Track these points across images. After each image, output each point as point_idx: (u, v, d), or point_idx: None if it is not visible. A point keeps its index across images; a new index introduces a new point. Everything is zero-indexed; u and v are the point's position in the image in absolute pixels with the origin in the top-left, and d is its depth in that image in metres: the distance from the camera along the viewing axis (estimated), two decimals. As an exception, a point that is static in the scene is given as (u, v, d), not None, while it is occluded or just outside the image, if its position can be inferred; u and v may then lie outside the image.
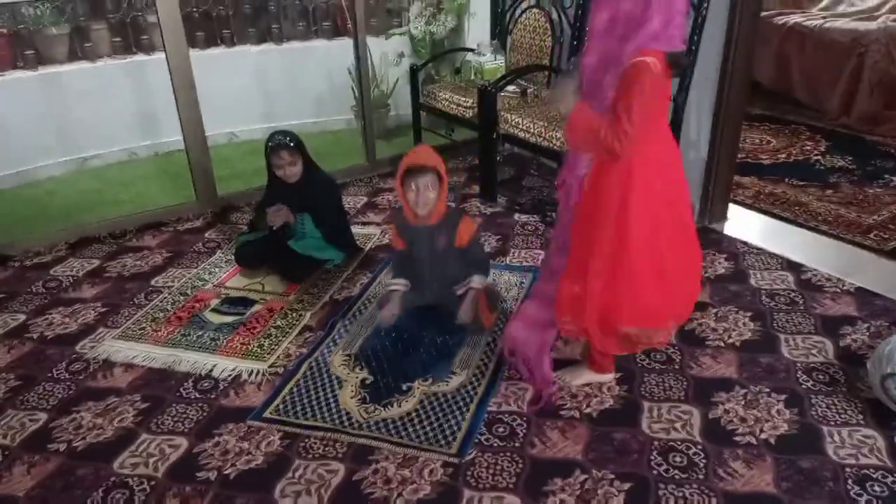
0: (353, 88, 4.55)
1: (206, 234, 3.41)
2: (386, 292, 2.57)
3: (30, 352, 2.51)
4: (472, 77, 4.05)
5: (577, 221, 1.99)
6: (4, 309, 2.79)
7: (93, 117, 4.42)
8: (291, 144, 2.81)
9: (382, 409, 2.15)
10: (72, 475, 1.94)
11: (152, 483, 1.90)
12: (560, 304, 2.04)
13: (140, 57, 4.62)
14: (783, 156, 4.26)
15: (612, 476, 1.87)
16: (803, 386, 2.20)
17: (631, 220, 1.86)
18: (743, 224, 3.33)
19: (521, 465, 1.92)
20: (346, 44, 4.37)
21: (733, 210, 3.42)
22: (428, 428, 2.07)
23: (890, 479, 1.84)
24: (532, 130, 3.30)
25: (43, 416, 2.17)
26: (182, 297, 2.81)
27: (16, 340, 2.57)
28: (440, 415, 2.12)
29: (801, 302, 2.66)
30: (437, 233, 2.45)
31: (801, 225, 3.34)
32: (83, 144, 4.48)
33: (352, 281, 2.92)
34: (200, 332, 2.56)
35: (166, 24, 3.27)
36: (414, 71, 4.07)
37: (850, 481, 1.83)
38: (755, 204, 3.57)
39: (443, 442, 2.01)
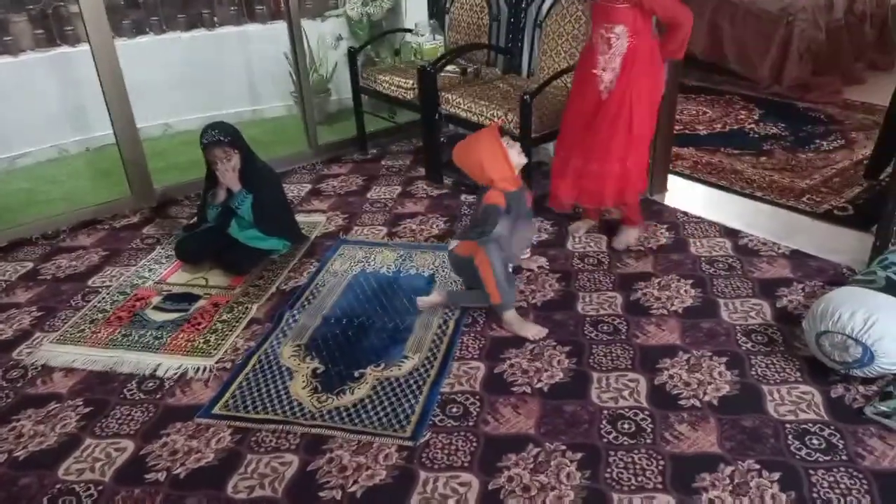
0: (290, 73, 4.46)
1: (144, 230, 3.31)
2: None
3: (-38, 362, 2.41)
4: (412, 58, 4.01)
5: (607, 115, 2.65)
6: (-68, 319, 2.66)
7: (18, 114, 4.22)
8: (225, 140, 2.73)
9: (335, 397, 2.14)
10: (14, 485, 1.87)
11: (99, 488, 1.85)
12: (606, 179, 2.73)
13: (65, 49, 4.42)
14: (719, 126, 4.37)
15: (564, 447, 1.91)
16: (743, 348, 2.28)
17: (646, 110, 2.67)
18: (682, 194, 3.41)
19: (475, 444, 1.94)
20: (281, 27, 4.26)
21: (673, 181, 3.49)
22: (382, 413, 2.06)
23: (827, 431, 1.92)
24: (474, 110, 3.30)
25: (-20, 428, 2.09)
26: (121, 297, 2.73)
27: (-54, 351, 2.46)
28: (393, 399, 2.12)
29: (738, 267, 2.75)
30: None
31: (737, 192, 3.43)
32: (10, 143, 4.28)
33: (298, 270, 2.89)
34: (143, 332, 2.50)
35: (89, 14, 3.13)
36: (352, 53, 4.01)
37: (790, 437, 1.91)
38: (693, 174, 3.65)
39: (397, 426, 2.01)
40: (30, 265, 3.04)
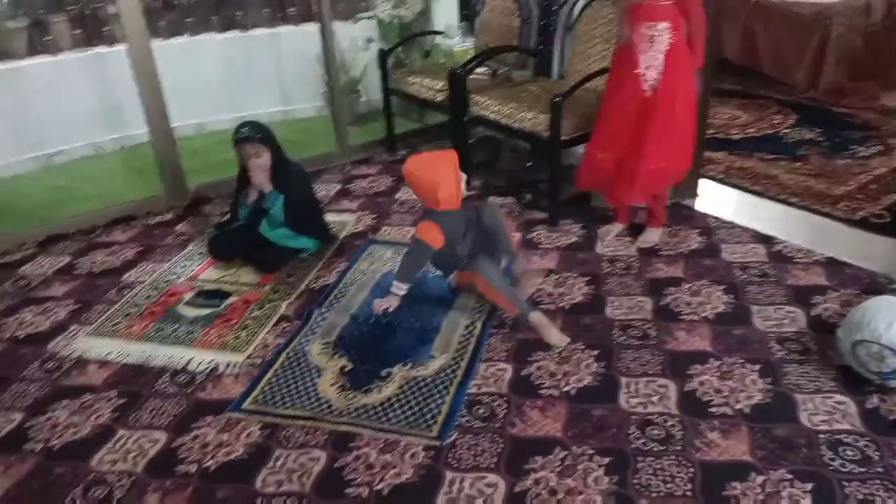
0: (321, 75, 4.50)
1: (177, 228, 3.36)
2: None
3: (2, 352, 2.46)
4: (442, 60, 4.03)
5: (656, 113, 2.65)
6: (-28, 310, 2.73)
7: (56, 112, 4.32)
8: (257, 137, 2.77)
9: (362, 395, 2.15)
10: (49, 474, 1.91)
11: (132, 479, 1.88)
12: (644, 178, 2.72)
13: (102, 49, 4.52)
14: (752, 130, 4.30)
15: (592, 451, 1.89)
16: (776, 356, 2.24)
17: (693, 105, 2.72)
18: (714, 199, 3.37)
19: (501, 445, 1.93)
20: (312, 29, 4.31)
21: (704, 185, 3.45)
22: (409, 412, 2.07)
23: (862, 442, 1.88)
24: (503, 112, 3.29)
25: (18, 417, 2.14)
26: (155, 292, 2.78)
27: (-14, 342, 2.53)
28: (420, 399, 2.12)
29: (772, 274, 2.70)
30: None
31: (771, 198, 3.38)
32: (48, 141, 4.38)
33: (327, 269, 2.91)
34: (175, 326, 2.53)
35: (127, 15, 3.20)
36: (383, 55, 4.03)
37: (823, 447, 1.87)
38: (726, 179, 3.60)
39: (423, 426, 2.01)
40: (66, 259, 3.10)
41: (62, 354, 2.43)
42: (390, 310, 2.52)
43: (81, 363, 2.38)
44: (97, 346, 2.45)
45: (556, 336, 2.38)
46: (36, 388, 2.26)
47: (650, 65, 2.62)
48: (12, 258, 3.13)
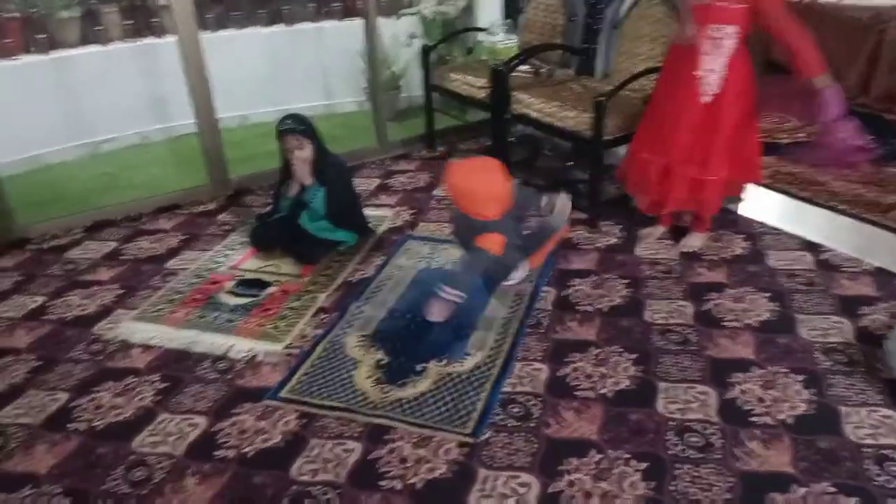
0: (364, 70, 4.53)
1: (220, 217, 3.42)
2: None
3: (49, 333, 2.53)
4: (485, 57, 4.02)
5: (718, 119, 2.60)
6: (23, 291, 2.82)
7: (105, 101, 4.43)
8: (300, 129, 2.81)
9: (398, 389, 2.16)
10: (92, 454, 1.96)
11: (172, 461, 1.92)
12: (711, 189, 2.70)
13: (151, 40, 4.62)
14: (802, 135, 4.20)
15: (628, 456, 1.87)
16: (821, 366, 2.19)
17: (752, 116, 2.67)
18: (760, 204, 3.29)
19: (536, 445, 1.92)
20: (356, 24, 4.34)
21: (751, 190, 3.37)
22: (443, 408, 2.07)
23: (909, 458, 1.83)
24: (545, 111, 3.27)
25: (63, 397, 2.20)
26: (197, 280, 2.83)
27: (35, 322, 2.60)
28: (455, 395, 2.12)
29: (819, 282, 2.64)
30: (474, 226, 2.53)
31: (819, 205, 3.29)
32: (96, 129, 4.50)
33: (366, 263, 2.93)
34: (216, 314, 2.58)
35: (177, 7, 3.26)
36: (426, 51, 4.04)
37: (868, 461, 1.82)
38: (773, 184, 3.52)
39: (458, 422, 2.01)
40: (113, 245, 3.18)
41: (107, 337, 2.49)
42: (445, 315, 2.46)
43: (126, 346, 2.43)
44: (141, 330, 2.51)
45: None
46: (81, 370, 2.32)
47: (712, 68, 2.56)
48: (60, 242, 3.22)
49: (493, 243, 2.43)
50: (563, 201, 2.73)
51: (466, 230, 2.53)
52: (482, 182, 2.39)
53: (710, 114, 2.61)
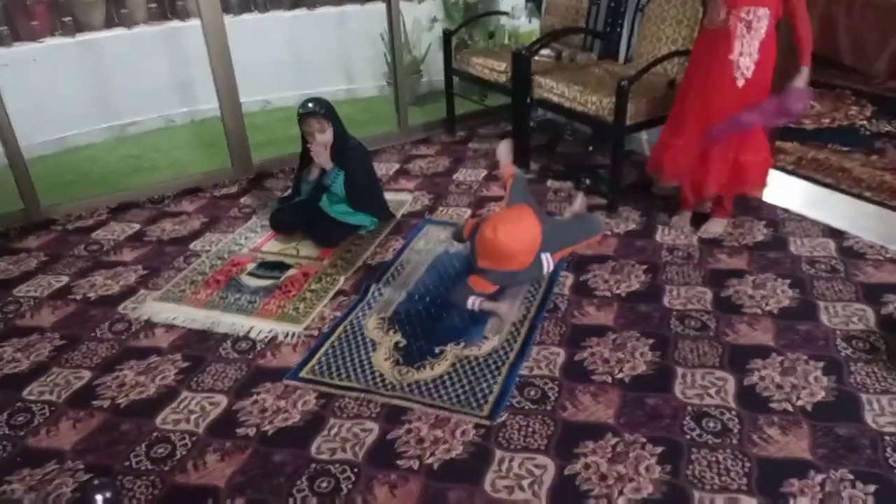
0: (385, 54, 4.52)
1: (242, 200, 3.45)
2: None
3: (74, 312, 2.59)
4: (506, 41, 3.99)
5: (751, 104, 2.56)
6: (49, 271, 2.87)
7: (130, 84, 4.47)
8: (321, 112, 2.82)
9: (415, 371, 2.18)
10: (116, 430, 2.00)
11: (193, 438, 1.96)
12: (747, 169, 2.70)
13: (175, 23, 4.65)
14: (827, 120, 4.13)
15: (644, 440, 1.87)
16: (842, 353, 2.16)
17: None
18: (784, 190, 3.25)
19: (552, 428, 1.93)
20: (378, 8, 4.33)
21: (774, 176, 3.33)
22: (460, 390, 2.09)
23: (930, 447, 1.81)
24: (567, 95, 3.25)
25: (87, 374, 2.24)
26: (219, 261, 2.86)
27: (60, 301, 2.65)
28: (472, 378, 2.13)
29: (842, 269, 2.60)
30: None
31: (844, 191, 3.24)
32: (121, 111, 4.55)
33: (385, 246, 2.94)
34: (238, 295, 2.61)
35: (201, -10, 3.27)
36: (447, 35, 4.02)
37: (889, 449, 1.80)
38: (797, 170, 3.48)
39: (474, 404, 2.02)
40: (137, 227, 3.23)
41: (131, 317, 2.53)
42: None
43: (149, 326, 2.48)
44: (164, 310, 2.55)
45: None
46: (105, 348, 2.37)
47: (745, 52, 2.52)
48: (85, 223, 3.27)
49: (482, 288, 2.38)
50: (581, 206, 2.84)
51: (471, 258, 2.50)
52: (521, 241, 2.29)
53: (745, 97, 2.57)
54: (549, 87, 3.35)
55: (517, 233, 2.28)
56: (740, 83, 2.56)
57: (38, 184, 3.28)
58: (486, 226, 2.31)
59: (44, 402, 2.13)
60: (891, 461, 1.77)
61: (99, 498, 0.96)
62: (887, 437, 1.84)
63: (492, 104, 4.35)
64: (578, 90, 3.19)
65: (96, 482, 0.99)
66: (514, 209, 2.44)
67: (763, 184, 2.84)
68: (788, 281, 2.55)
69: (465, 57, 3.97)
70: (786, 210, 3.06)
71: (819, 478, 1.73)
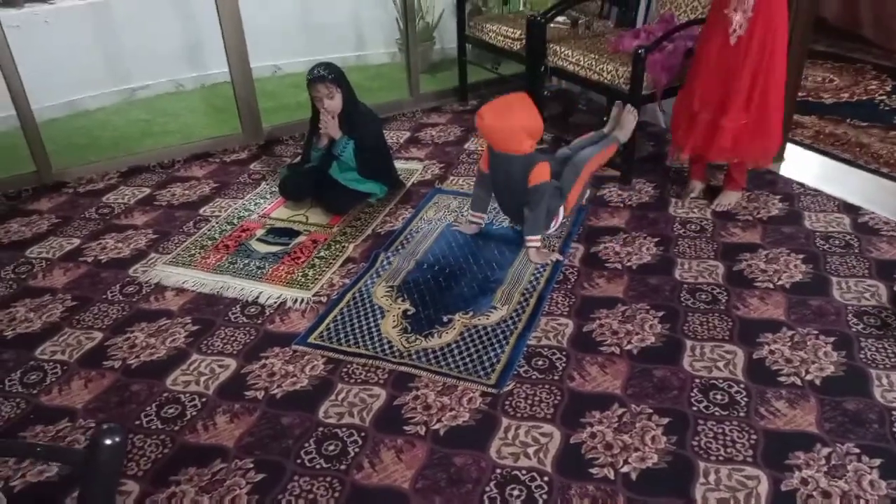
0: (397, 21, 4.46)
1: (252, 166, 3.44)
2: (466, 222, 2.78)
3: (85, 274, 2.60)
4: (521, 7, 3.92)
5: (743, 63, 2.50)
6: (60, 233, 2.88)
7: (141, 48, 4.44)
8: (330, 77, 2.78)
9: (423, 339, 2.18)
10: (126, 390, 2.03)
11: (203, 400, 1.98)
12: (725, 137, 2.60)
13: (186, -13, 4.59)
14: (846, 95, 4.05)
15: (651, 411, 1.88)
16: (853, 329, 2.15)
17: (777, 60, 2.52)
18: (800, 165, 3.21)
19: (559, 397, 1.93)
20: (391, -27, 4.27)
21: (791, 150, 3.29)
22: (468, 359, 2.09)
23: (939, 424, 1.80)
24: (582, 63, 3.20)
25: (98, 335, 2.26)
26: (229, 227, 2.86)
27: (71, 263, 2.67)
28: (479, 347, 2.14)
29: (856, 245, 2.58)
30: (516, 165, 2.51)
31: (861, 167, 3.20)
32: (131, 75, 4.52)
33: (394, 215, 2.93)
34: (247, 261, 2.62)
35: (211, -49, 3.23)
36: (461, 2, 3.95)
37: (896, 425, 1.80)
38: (814, 144, 3.42)
39: (482, 373, 2.03)
40: (147, 191, 3.23)
41: (141, 280, 2.55)
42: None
43: (159, 289, 2.49)
44: (174, 274, 2.56)
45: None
46: (116, 310, 2.38)
47: (738, 7, 2.45)
48: (96, 187, 3.28)
49: (544, 174, 2.46)
50: (629, 113, 2.81)
51: (507, 177, 2.52)
52: (516, 118, 2.42)
53: (736, 56, 2.50)
54: (565, 55, 3.30)
55: (502, 112, 2.43)
56: (732, 40, 2.50)
57: (49, 147, 3.28)
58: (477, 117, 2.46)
59: (56, 361, 2.16)
60: (898, 437, 1.76)
61: (107, 441, 0.97)
62: (895, 413, 1.83)
63: (505, 72, 4.29)
64: (594, 58, 3.13)
65: (105, 426, 0.99)
66: (506, 96, 2.53)
67: (773, 148, 2.73)
68: (802, 256, 2.52)
69: (479, 23, 3.91)
70: (801, 184, 3.02)
71: (825, 451, 1.73)
